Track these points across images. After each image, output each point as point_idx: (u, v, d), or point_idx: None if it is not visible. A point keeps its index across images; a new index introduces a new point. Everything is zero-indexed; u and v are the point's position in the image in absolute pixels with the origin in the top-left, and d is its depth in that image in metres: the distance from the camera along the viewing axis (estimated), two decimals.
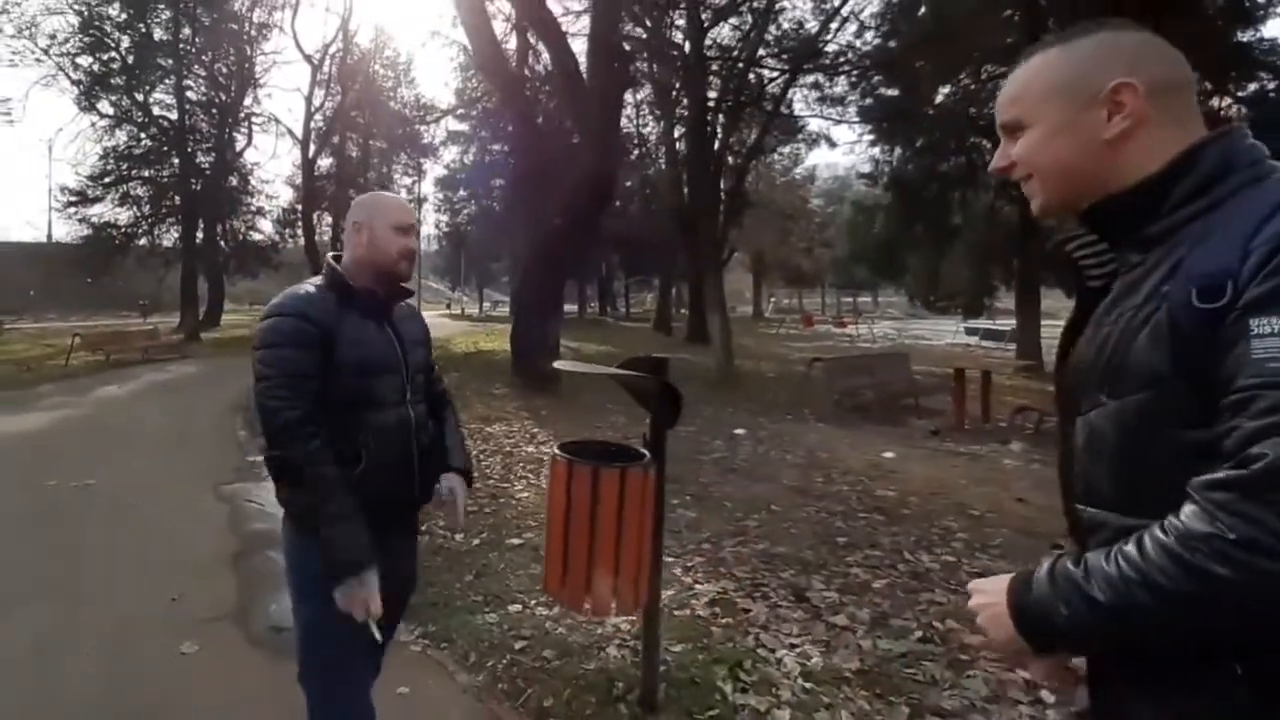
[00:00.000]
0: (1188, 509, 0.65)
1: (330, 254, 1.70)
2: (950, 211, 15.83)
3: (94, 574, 3.70)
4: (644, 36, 14.07)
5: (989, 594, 0.83)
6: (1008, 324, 17.89)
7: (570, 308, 45.28)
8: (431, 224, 34.66)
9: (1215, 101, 14.87)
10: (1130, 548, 0.68)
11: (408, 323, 1.73)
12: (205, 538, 4.27)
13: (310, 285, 1.62)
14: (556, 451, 2.31)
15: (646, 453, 2.50)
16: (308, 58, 25.87)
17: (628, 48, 13.73)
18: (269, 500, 5.05)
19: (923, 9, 15.12)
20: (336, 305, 1.56)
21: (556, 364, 2.80)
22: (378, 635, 1.52)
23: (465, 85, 24.27)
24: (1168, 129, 0.76)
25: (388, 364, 1.60)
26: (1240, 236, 0.66)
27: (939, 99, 16.41)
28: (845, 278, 37.87)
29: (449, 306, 51.05)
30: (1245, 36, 14.28)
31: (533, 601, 3.30)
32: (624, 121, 23.51)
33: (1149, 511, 0.70)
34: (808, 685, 2.58)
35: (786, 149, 32.31)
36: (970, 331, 24.75)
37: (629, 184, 26.24)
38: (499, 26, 12.39)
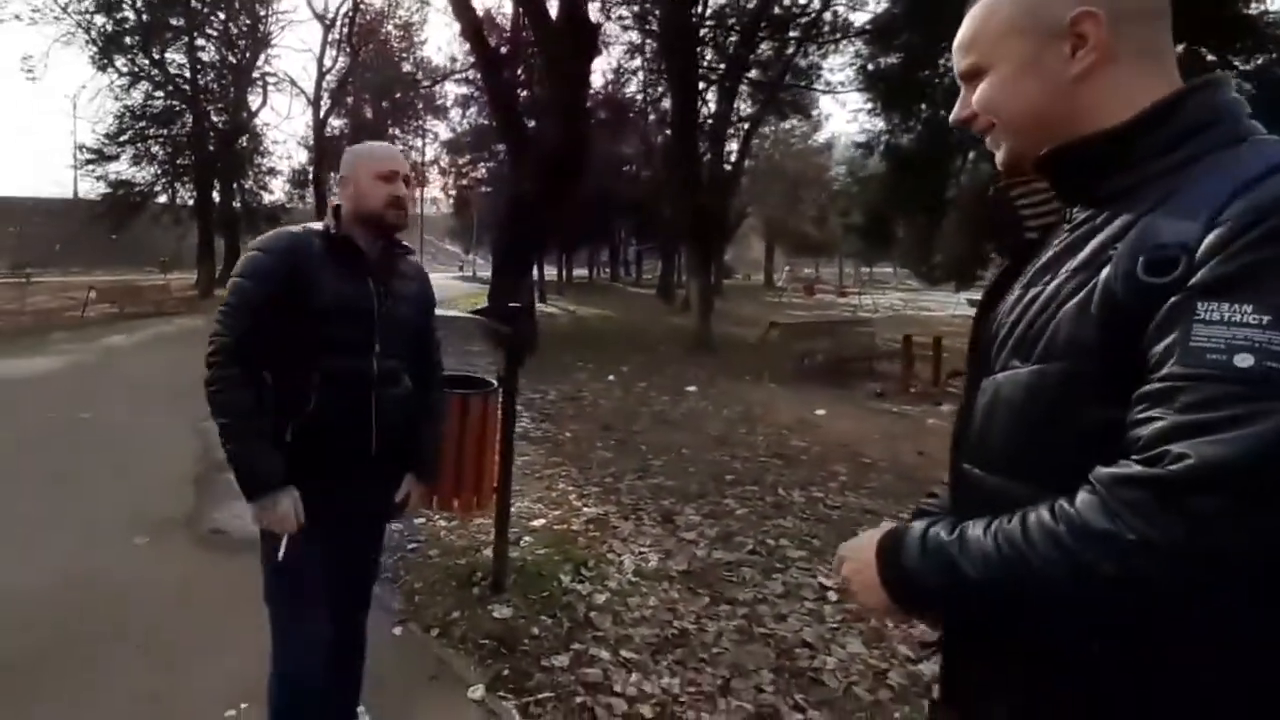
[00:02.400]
0: (1086, 499, 0.59)
1: (335, 204, 1.70)
2: (946, 182, 15.84)
3: (75, 483, 4.32)
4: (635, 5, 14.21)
5: (859, 560, 0.79)
6: None
7: (581, 273, 45.78)
8: (439, 188, 35.01)
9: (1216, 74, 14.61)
10: (1013, 526, 0.63)
11: (404, 281, 1.72)
12: (175, 462, 4.88)
13: (298, 227, 1.67)
14: None
15: (494, 383, 3.02)
16: (319, 17, 26.16)
17: (603, 18, 13.89)
18: None
19: None
20: (321, 249, 1.59)
21: None
22: (279, 555, 1.59)
23: (461, 50, 24.40)
24: (1136, 64, 0.69)
25: (355, 312, 1.59)
26: (1206, 206, 0.58)
27: (940, 68, 16.24)
28: (856, 246, 37.70)
29: (462, 269, 51.68)
30: (1252, 9, 13.91)
31: (436, 517, 3.84)
32: (632, 87, 23.57)
33: (1034, 480, 0.67)
34: (634, 579, 3.11)
35: (808, 116, 32.23)
36: (972, 303, 24.94)
37: (635, 150, 26.30)
38: None
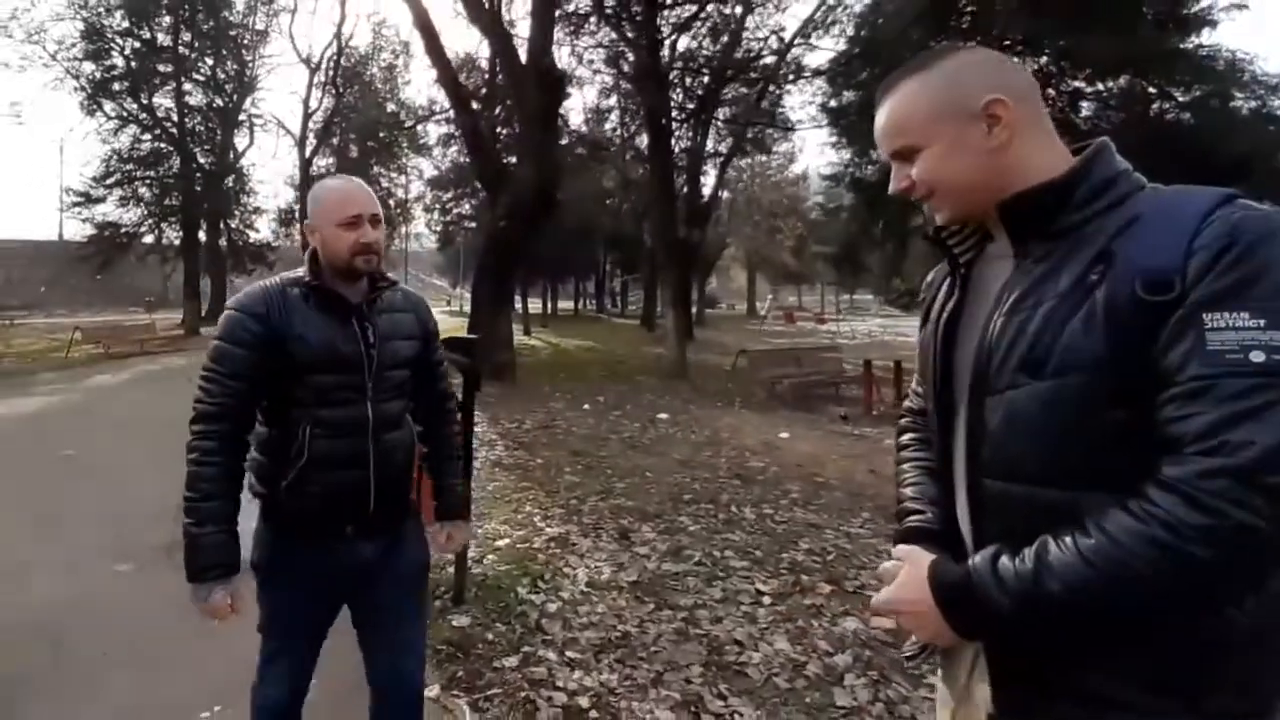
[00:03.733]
0: (1168, 498, 0.67)
1: (311, 248, 1.64)
2: (910, 212, 16.43)
3: (60, 518, 4.50)
4: (605, 44, 14.83)
5: (918, 611, 0.84)
6: None
7: (566, 305, 46.27)
8: (423, 224, 35.51)
9: (1156, 105, 15.24)
10: (1095, 540, 0.70)
11: (392, 316, 1.67)
12: (157, 493, 5.03)
13: (275, 279, 1.62)
14: None
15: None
16: (304, 60, 26.84)
17: (574, 62, 14.51)
18: None
19: (862, 28, 15.76)
20: (299, 299, 1.56)
21: None
22: (258, 625, 1.66)
23: (442, 92, 25.13)
24: (1035, 131, 0.86)
25: (343, 360, 1.56)
26: (1178, 236, 0.71)
27: None
28: (834, 274, 38.36)
29: (449, 303, 52.02)
30: (1187, 44, 14.58)
31: None
32: (610, 123, 24.29)
33: (1063, 484, 0.76)
34: (585, 590, 3.35)
35: (783, 148, 33.46)
36: None
37: (610, 184, 26.95)
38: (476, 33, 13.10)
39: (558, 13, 12.70)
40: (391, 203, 33.08)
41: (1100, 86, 14.72)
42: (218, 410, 1.51)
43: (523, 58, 8.95)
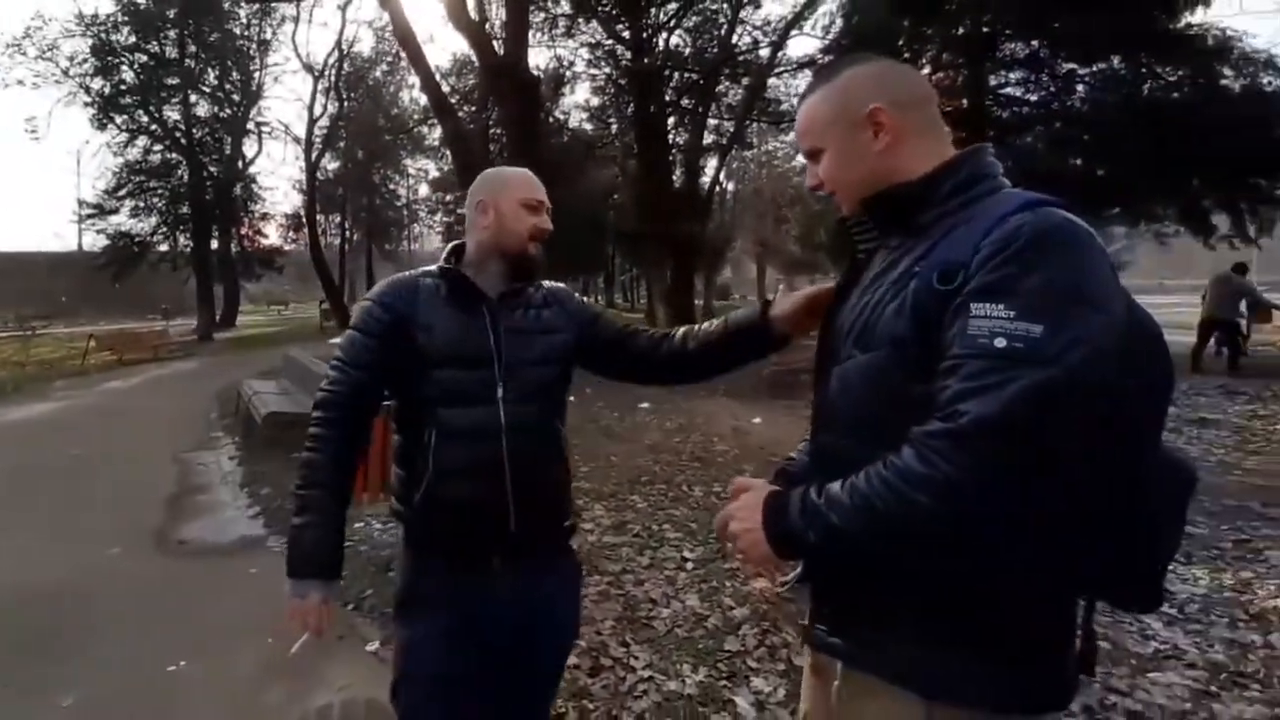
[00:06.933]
0: (906, 451, 0.80)
1: (453, 243, 1.57)
2: None
3: (64, 508, 4.93)
4: (591, 44, 15.10)
5: (747, 521, 0.95)
6: None
7: None
8: (427, 226, 36.08)
9: (1148, 86, 15.22)
10: (859, 480, 0.83)
11: (529, 311, 1.52)
12: (153, 487, 5.49)
13: (418, 270, 1.53)
14: None
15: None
16: (308, 68, 27.44)
17: (551, 66, 14.77)
18: (214, 462, 6.30)
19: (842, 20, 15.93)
20: (431, 289, 1.46)
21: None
22: (294, 648, 1.44)
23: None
24: (922, 137, 0.97)
25: (469, 353, 1.41)
26: (974, 237, 0.83)
27: None
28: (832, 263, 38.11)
29: None
30: (1178, 23, 14.54)
31: (371, 520, 4.42)
32: (610, 119, 24.54)
33: (878, 443, 0.86)
34: None
35: (790, 137, 33.41)
36: None
37: (618, 177, 27.25)
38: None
39: (544, 15, 12.99)
40: (398, 204, 33.78)
41: (1093, 69, 14.69)
42: (333, 397, 1.44)
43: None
